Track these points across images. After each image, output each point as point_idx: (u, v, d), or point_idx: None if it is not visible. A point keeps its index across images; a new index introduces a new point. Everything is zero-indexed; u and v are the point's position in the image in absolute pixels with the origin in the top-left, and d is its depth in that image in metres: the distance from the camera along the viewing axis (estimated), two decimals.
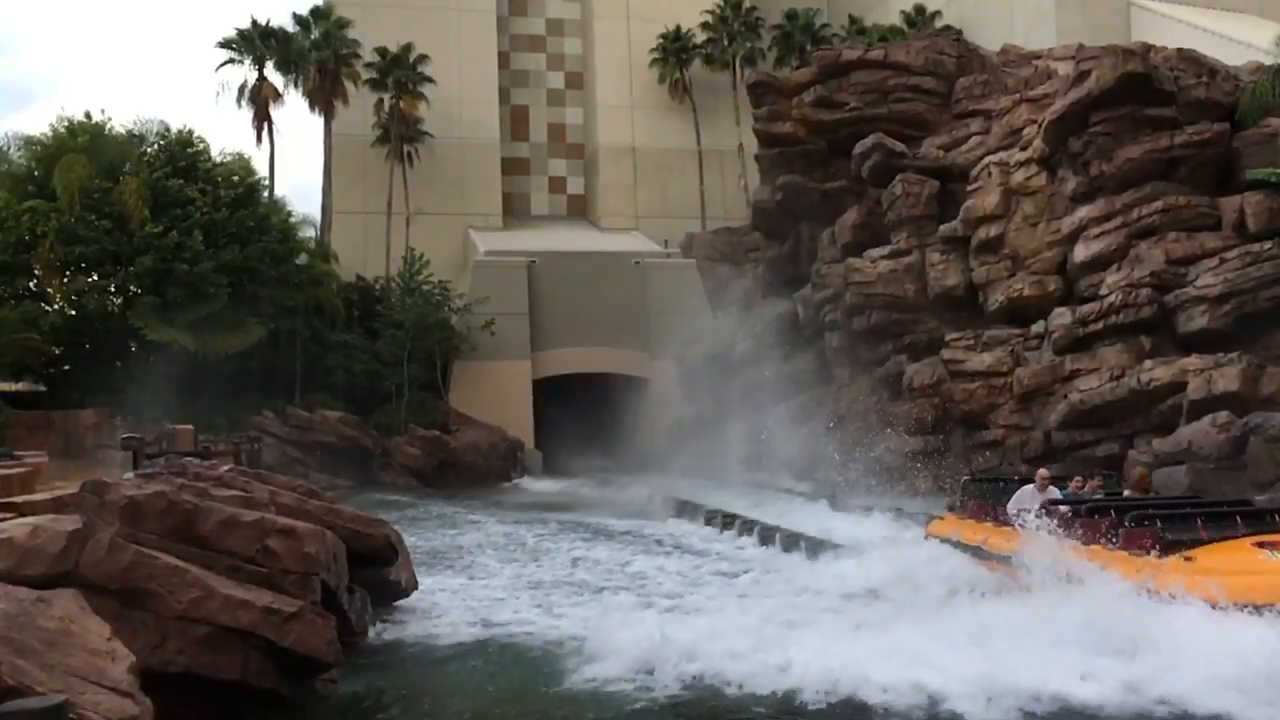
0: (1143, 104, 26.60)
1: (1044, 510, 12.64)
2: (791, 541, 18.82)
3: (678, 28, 53.84)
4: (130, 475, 15.63)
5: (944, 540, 14.69)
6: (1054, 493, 13.37)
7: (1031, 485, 13.59)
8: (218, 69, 46.46)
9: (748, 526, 21.46)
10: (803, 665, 9.76)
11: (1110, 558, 11.12)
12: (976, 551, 13.57)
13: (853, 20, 53.57)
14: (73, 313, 36.75)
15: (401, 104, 48.22)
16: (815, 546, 17.87)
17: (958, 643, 10.06)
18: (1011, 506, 13.41)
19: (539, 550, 19.88)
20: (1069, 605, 10.52)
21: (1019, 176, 29.65)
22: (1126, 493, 13.63)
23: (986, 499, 14.82)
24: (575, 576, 16.48)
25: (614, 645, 10.66)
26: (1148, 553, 10.82)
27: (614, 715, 9.28)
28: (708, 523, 23.73)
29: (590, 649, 10.88)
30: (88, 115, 38.34)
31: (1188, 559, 10.52)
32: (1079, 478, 14.44)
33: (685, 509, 25.85)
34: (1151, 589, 10.19)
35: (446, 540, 22.00)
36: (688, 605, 13.73)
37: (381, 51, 47.66)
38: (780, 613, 12.68)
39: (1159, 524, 11.26)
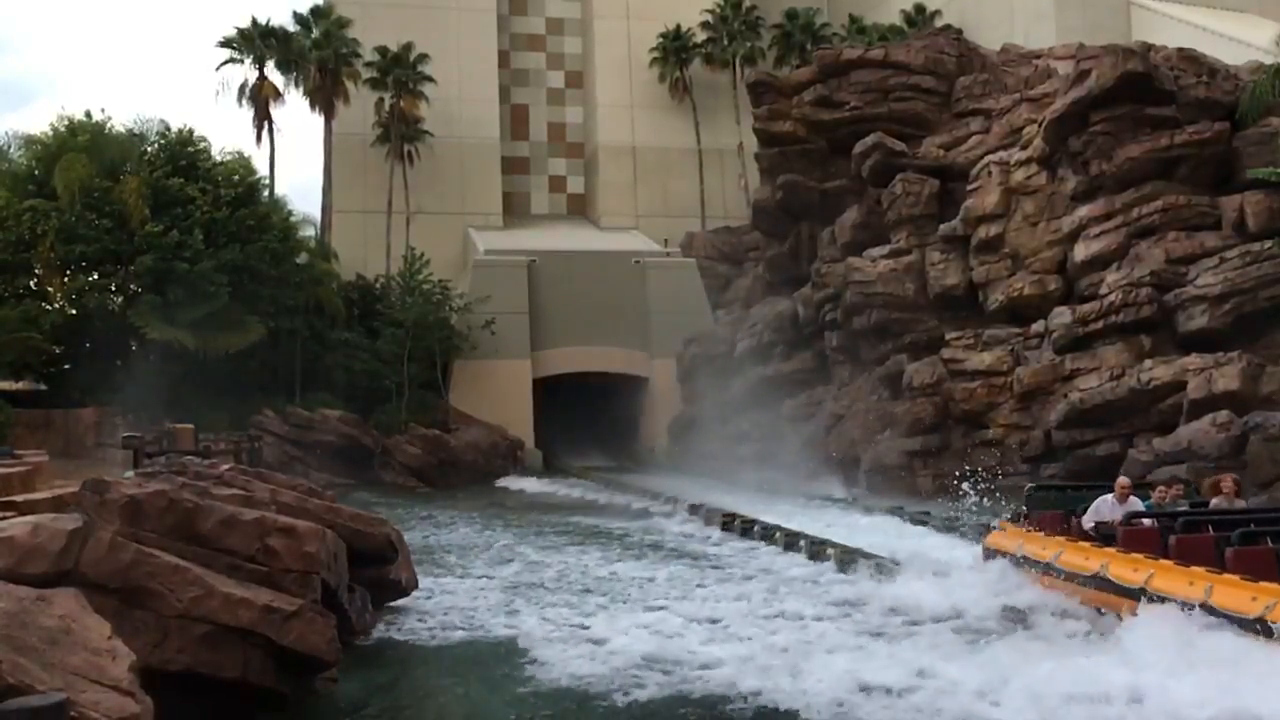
0: (1143, 103, 26.63)
1: (1127, 524, 11.55)
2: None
3: (678, 27, 53.85)
4: (131, 474, 15.65)
5: (1006, 555, 13.07)
6: (1136, 504, 12.20)
7: (1110, 495, 12.33)
8: (218, 68, 46.57)
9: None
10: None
11: (1222, 583, 9.61)
12: (1047, 569, 12.12)
13: (853, 19, 53.58)
14: (73, 311, 36.77)
15: (401, 103, 48.24)
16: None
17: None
18: (1088, 519, 12.22)
19: (543, 551, 19.83)
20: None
21: (1019, 176, 29.67)
22: (1214, 501, 12.21)
23: (1055, 509, 13.29)
24: (577, 579, 16.43)
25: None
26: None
27: (615, 715, 9.30)
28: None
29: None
30: (88, 114, 38.41)
31: None
32: (1161, 487, 13.02)
33: (703, 513, 23.98)
34: None
35: (445, 539, 22.01)
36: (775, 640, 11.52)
37: (382, 51, 47.69)
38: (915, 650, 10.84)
39: (1270, 542, 9.97)
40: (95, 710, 6.01)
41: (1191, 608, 9.51)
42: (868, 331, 31.93)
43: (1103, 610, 10.90)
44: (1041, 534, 12.81)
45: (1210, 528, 10.77)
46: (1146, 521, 11.47)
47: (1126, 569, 10.76)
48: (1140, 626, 9.81)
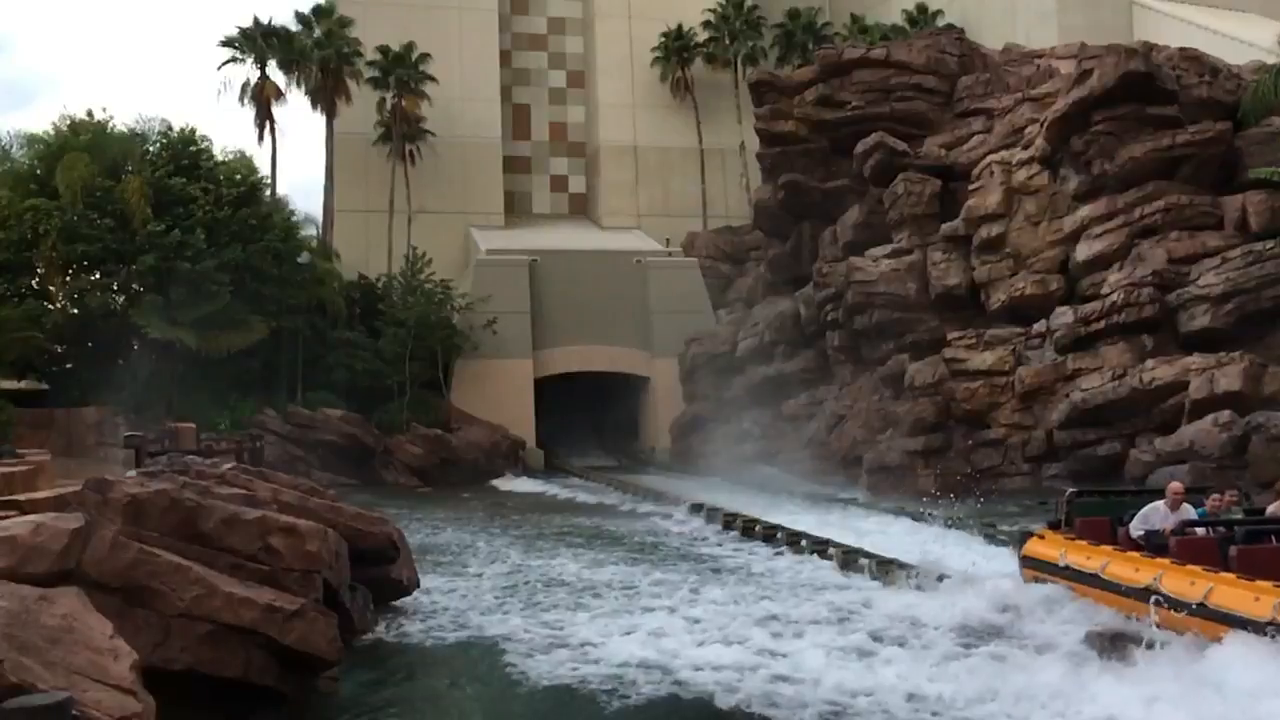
0: (1145, 103, 26.63)
1: (1181, 533, 10.81)
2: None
3: (679, 26, 53.83)
4: (133, 473, 15.64)
5: (1047, 564, 12.30)
6: (1189, 511, 11.41)
7: (1160, 502, 11.54)
8: (220, 67, 46.53)
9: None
10: None
11: None
12: (1093, 580, 11.30)
13: (855, 19, 53.58)
14: (75, 311, 36.76)
15: (403, 102, 48.22)
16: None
17: None
18: (1137, 526, 11.44)
19: (544, 553, 19.81)
20: None
21: (1021, 175, 29.67)
22: (1271, 508, 11.38)
23: (1100, 515, 12.46)
24: (579, 581, 16.36)
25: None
26: None
27: (616, 717, 9.30)
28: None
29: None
30: (90, 114, 38.37)
31: None
32: (1215, 495, 12.07)
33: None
34: None
35: (445, 539, 22.01)
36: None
37: (383, 50, 47.68)
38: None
39: None
40: (97, 709, 6.01)
41: (1263, 628, 8.90)
42: (869, 331, 31.92)
43: (1159, 626, 10.05)
44: (1086, 543, 11.98)
45: (1275, 538, 10.21)
46: (1199, 531, 10.82)
47: (1183, 582, 10.02)
48: (1233, 654, 8.87)
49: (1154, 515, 11.40)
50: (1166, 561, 10.52)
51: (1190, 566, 10.15)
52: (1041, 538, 12.99)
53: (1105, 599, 11.03)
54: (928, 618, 12.29)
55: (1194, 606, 9.66)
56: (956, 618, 12.07)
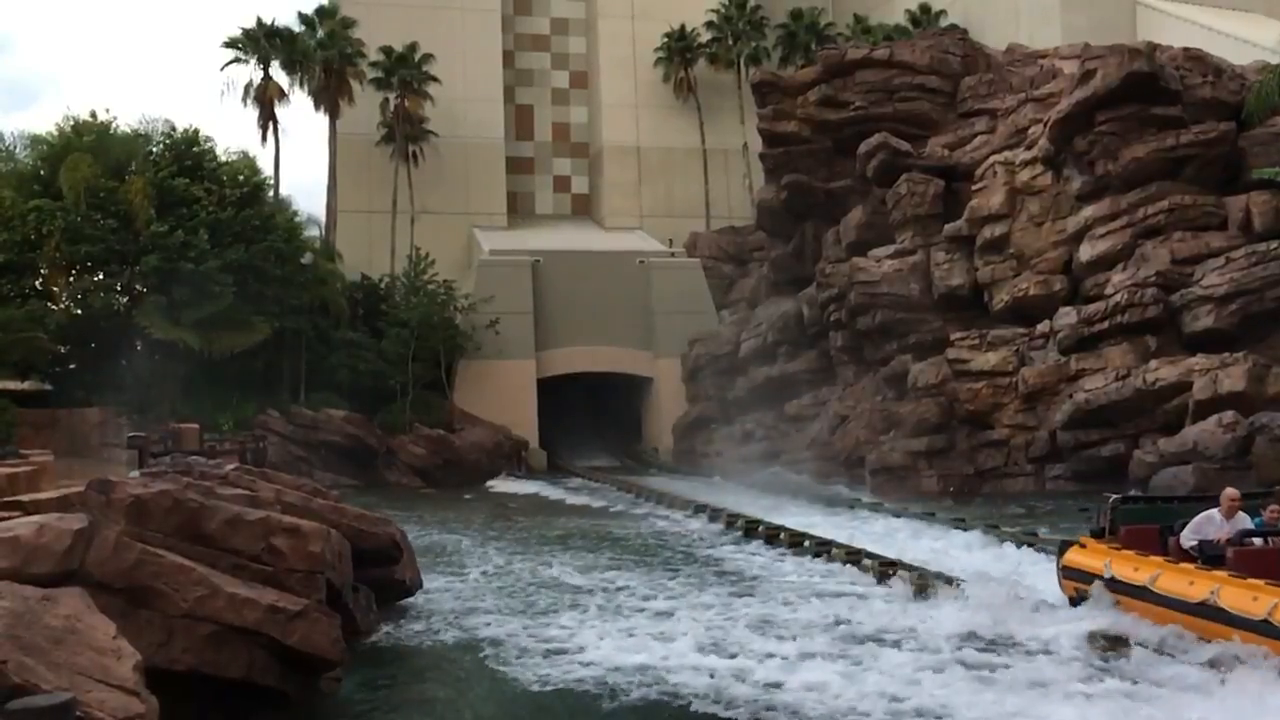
0: (1148, 103, 26.61)
1: (1239, 544, 10.11)
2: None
3: (682, 27, 53.85)
4: (136, 474, 15.66)
5: (1090, 575, 11.42)
6: (1245, 520, 10.67)
7: (1213, 510, 10.86)
8: (223, 68, 46.60)
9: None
10: None
11: None
12: (1143, 593, 10.51)
13: (858, 19, 53.59)
14: (78, 311, 36.83)
15: (406, 103, 48.28)
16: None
17: None
18: (1189, 536, 10.69)
19: (546, 555, 19.80)
20: None
21: (1024, 176, 29.67)
22: None
23: (1147, 523, 11.61)
24: (582, 584, 16.33)
25: None
26: None
27: (617, 717, 9.29)
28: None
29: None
30: (93, 115, 38.48)
31: None
32: (1275, 505, 11.06)
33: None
34: None
35: (447, 541, 22.00)
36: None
37: (386, 51, 47.73)
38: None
39: None
40: (100, 709, 6.01)
41: None
42: (872, 332, 31.91)
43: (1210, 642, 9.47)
44: (1133, 553, 11.16)
45: None
46: (1257, 541, 10.16)
47: (1244, 597, 9.32)
48: None
49: (1208, 524, 10.72)
50: (1224, 574, 9.83)
51: (1252, 580, 9.49)
52: (1083, 547, 12.06)
53: (1155, 614, 10.31)
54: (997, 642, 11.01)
55: (1256, 623, 9.05)
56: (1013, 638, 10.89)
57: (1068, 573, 12.03)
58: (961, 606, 12.25)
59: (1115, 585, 10.99)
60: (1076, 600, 11.59)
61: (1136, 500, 12.99)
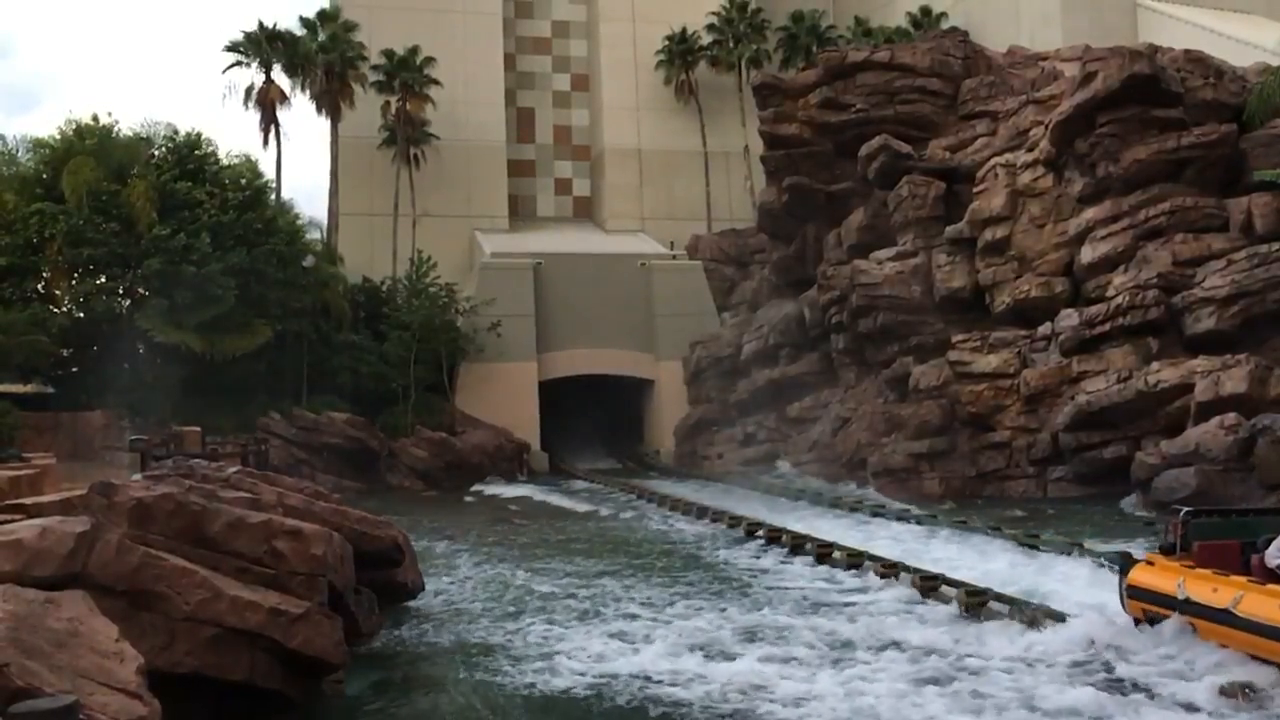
0: (1149, 105, 26.62)
1: None
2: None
3: (683, 29, 53.89)
4: (138, 477, 15.67)
5: (1160, 597, 10.39)
6: None
7: None
8: (224, 71, 46.65)
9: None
10: None
11: None
12: (1224, 618, 9.49)
13: (858, 22, 53.61)
14: (80, 315, 36.84)
15: (408, 106, 48.31)
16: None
17: None
18: (1274, 554, 9.73)
19: (547, 558, 19.81)
20: None
21: (1025, 178, 29.66)
22: None
23: (1224, 539, 10.58)
24: (584, 589, 16.31)
25: None
26: None
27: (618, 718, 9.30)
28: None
29: None
30: (95, 118, 38.48)
31: None
32: None
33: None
34: None
35: (448, 542, 22.00)
36: None
37: (388, 54, 47.77)
38: None
39: None
40: (103, 712, 6.01)
41: None
42: (874, 334, 31.92)
43: None
44: (1211, 572, 10.10)
45: None
46: None
47: None
48: None
49: None
50: None
51: None
52: (1150, 564, 10.94)
53: (1240, 640, 9.33)
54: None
55: None
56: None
57: (1133, 592, 10.91)
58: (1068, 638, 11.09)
59: (1191, 608, 9.95)
60: (1143, 622, 10.69)
61: (1210, 514, 11.61)
